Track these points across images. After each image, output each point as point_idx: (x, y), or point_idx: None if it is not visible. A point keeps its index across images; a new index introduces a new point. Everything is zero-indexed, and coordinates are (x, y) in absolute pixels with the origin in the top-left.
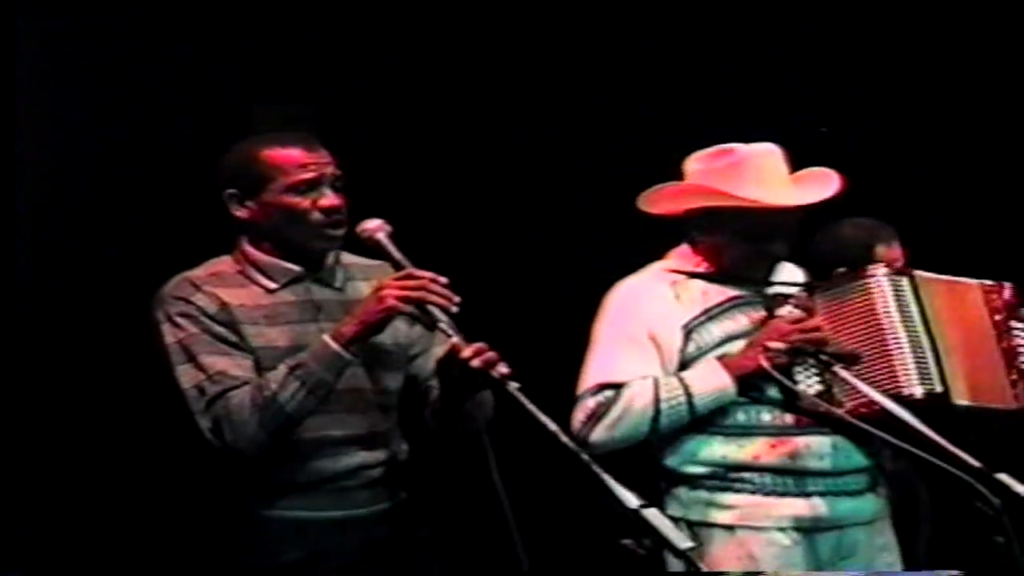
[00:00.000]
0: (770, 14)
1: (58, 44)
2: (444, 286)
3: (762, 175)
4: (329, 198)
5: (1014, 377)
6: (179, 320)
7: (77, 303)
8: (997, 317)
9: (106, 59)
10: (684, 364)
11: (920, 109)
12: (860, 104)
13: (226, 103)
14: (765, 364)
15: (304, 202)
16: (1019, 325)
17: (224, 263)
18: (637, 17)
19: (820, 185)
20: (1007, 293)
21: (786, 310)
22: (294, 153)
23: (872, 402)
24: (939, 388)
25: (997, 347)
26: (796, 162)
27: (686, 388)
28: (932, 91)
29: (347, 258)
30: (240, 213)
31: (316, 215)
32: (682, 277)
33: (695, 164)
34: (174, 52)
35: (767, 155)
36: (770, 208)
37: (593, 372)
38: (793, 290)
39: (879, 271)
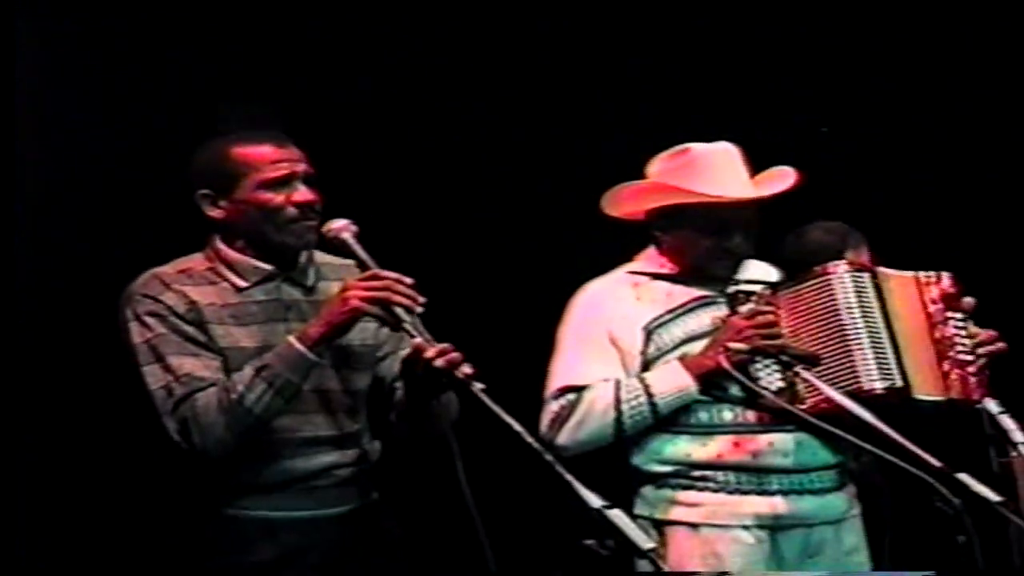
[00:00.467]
0: (768, 14)
1: (58, 44)
2: (409, 287)
3: (716, 171)
4: (303, 193)
5: (947, 368)
6: (147, 319)
7: (77, 303)
8: (932, 308)
9: (106, 59)
10: (646, 365)
11: (904, 114)
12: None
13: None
14: (725, 364)
15: (277, 198)
16: (957, 315)
17: (194, 260)
18: (633, 16)
19: (775, 181)
20: (945, 283)
21: (748, 308)
22: (265, 150)
23: (832, 399)
24: (899, 383)
25: (931, 338)
26: (796, 162)
27: (647, 388)
28: (921, 96)
29: (320, 257)
30: (214, 213)
31: (290, 211)
32: (645, 279)
33: (654, 165)
34: (175, 52)
35: (722, 152)
36: (725, 202)
37: (556, 376)
38: (757, 288)
39: (840, 267)
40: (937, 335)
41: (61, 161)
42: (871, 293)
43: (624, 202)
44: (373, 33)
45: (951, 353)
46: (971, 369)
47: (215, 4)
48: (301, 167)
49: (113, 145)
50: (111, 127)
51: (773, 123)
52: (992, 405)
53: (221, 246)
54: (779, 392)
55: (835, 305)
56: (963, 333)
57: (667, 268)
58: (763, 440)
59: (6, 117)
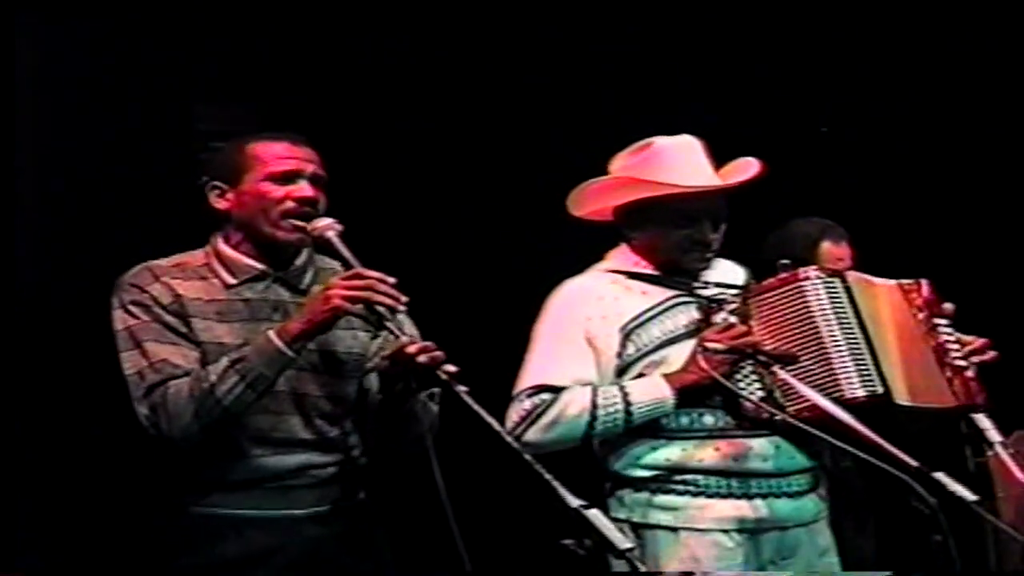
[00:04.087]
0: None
1: (58, 45)
2: (392, 286)
3: (680, 163)
4: (303, 189)
5: (949, 375)
6: (131, 308)
7: (78, 304)
8: (921, 315)
9: (106, 59)
10: (624, 366)
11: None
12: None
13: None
14: (714, 373)
15: (278, 191)
16: (942, 321)
17: (192, 256)
18: (628, 15)
19: (740, 172)
20: (924, 290)
21: (721, 317)
22: (277, 147)
23: (815, 405)
24: (880, 389)
25: (927, 346)
26: (796, 160)
27: (625, 396)
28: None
29: (321, 261)
30: (220, 204)
31: (287, 204)
32: (622, 277)
33: (616, 162)
34: (175, 51)
35: (685, 145)
36: (694, 193)
37: (531, 373)
38: (728, 294)
39: (811, 273)
40: (933, 343)
41: (61, 161)
42: (844, 299)
43: (590, 200)
44: (353, 34)
45: (947, 359)
46: (969, 374)
47: (215, 6)
48: (310, 167)
49: (112, 145)
50: (111, 126)
51: (772, 122)
52: None
53: (219, 243)
54: (760, 400)
55: (810, 313)
56: (953, 339)
57: (641, 266)
58: (743, 444)
59: (6, 117)
